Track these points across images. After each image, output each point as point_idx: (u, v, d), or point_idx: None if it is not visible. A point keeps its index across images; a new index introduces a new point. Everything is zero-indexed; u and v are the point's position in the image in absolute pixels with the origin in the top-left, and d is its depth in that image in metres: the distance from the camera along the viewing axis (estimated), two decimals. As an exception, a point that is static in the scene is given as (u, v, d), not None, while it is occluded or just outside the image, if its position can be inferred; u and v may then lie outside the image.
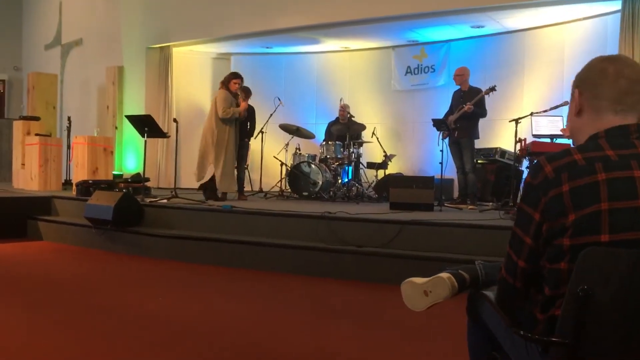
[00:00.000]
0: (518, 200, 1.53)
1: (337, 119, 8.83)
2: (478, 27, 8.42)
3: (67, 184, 9.26)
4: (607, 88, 1.47)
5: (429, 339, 3.38)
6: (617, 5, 6.88)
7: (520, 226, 1.50)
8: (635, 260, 1.26)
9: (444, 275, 1.78)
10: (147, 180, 7.86)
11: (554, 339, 1.34)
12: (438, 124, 7.20)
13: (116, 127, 10.29)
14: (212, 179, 7.22)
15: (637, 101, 1.47)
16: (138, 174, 8.41)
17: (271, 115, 8.78)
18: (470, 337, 1.87)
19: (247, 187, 9.91)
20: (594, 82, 1.50)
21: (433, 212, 6.20)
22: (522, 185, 1.56)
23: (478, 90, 7.08)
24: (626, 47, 6.62)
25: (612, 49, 7.06)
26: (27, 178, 8.79)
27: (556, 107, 6.43)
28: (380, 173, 8.72)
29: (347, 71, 10.21)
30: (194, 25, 9.92)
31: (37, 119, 9.53)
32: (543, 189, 1.42)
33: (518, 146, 6.34)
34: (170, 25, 10.22)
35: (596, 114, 1.50)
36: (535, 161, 1.79)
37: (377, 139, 8.66)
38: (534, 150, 6.10)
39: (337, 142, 8.15)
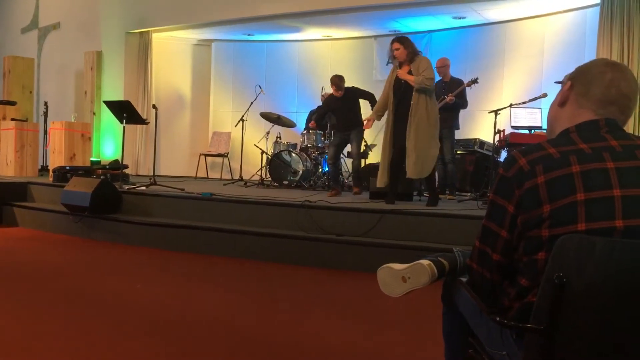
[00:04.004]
0: (490, 193, 1.54)
1: (319, 107, 8.81)
2: (459, 18, 8.44)
3: (44, 169, 9.14)
4: (597, 90, 1.50)
5: (406, 326, 3.40)
6: (597, -1, 6.95)
7: (493, 219, 1.51)
8: (610, 248, 1.28)
9: (424, 262, 1.78)
10: (126, 167, 7.78)
11: (529, 325, 1.36)
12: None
13: (94, 113, 10.16)
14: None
15: (618, 112, 1.50)
16: (116, 161, 8.32)
17: (252, 103, 8.74)
18: (446, 324, 1.88)
19: (226, 176, 9.93)
20: (589, 80, 1.52)
21: (412, 201, 6.23)
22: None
23: (460, 81, 7.10)
24: (604, 41, 6.69)
25: (591, 42, 7.14)
26: (3, 163, 8.65)
27: (535, 99, 6.49)
28: (361, 162, 8.73)
29: (329, 60, 10.19)
30: (174, 10, 9.80)
31: (13, 103, 9.36)
32: (517, 181, 1.44)
33: (497, 137, 6.39)
34: (150, 11, 10.08)
35: (577, 109, 1.52)
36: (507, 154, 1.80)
37: (358, 128, 8.65)
38: (512, 141, 6.17)
39: (317, 131, 8.14)
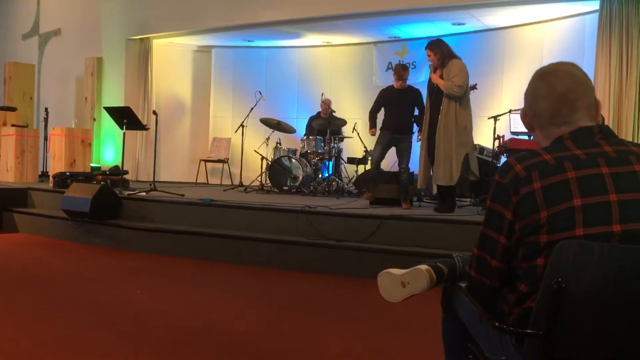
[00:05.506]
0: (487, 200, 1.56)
1: (319, 113, 8.82)
2: (459, 24, 8.47)
3: (44, 175, 9.15)
4: (541, 107, 1.54)
5: (405, 332, 3.40)
6: (595, 5, 6.97)
7: (491, 226, 1.52)
8: (608, 253, 1.29)
9: (423, 267, 1.79)
10: (126, 172, 7.78)
11: (528, 331, 1.36)
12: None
13: (94, 119, 10.17)
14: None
15: (570, 111, 1.51)
16: (116, 167, 8.33)
17: (252, 109, 8.75)
18: (445, 330, 1.89)
19: (226, 181, 9.93)
20: (531, 102, 1.58)
21: (412, 207, 6.23)
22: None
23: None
24: (603, 46, 6.71)
25: (589, 48, 7.16)
26: (3, 169, 8.66)
27: (534, 104, 6.49)
28: (361, 168, 8.75)
29: (328, 66, 10.21)
30: (174, 17, 9.82)
31: (13, 109, 9.38)
32: (513, 187, 1.45)
33: (496, 143, 6.41)
34: (150, 17, 10.11)
35: (544, 131, 1.57)
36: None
37: (358, 134, 8.68)
38: (512, 147, 6.18)
39: (317, 136, 8.16)
